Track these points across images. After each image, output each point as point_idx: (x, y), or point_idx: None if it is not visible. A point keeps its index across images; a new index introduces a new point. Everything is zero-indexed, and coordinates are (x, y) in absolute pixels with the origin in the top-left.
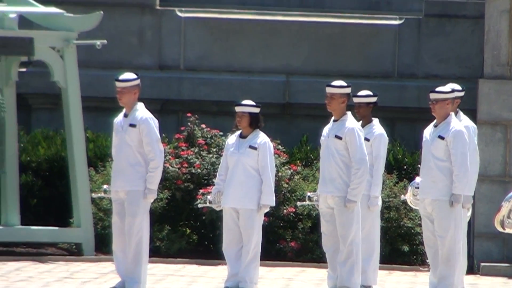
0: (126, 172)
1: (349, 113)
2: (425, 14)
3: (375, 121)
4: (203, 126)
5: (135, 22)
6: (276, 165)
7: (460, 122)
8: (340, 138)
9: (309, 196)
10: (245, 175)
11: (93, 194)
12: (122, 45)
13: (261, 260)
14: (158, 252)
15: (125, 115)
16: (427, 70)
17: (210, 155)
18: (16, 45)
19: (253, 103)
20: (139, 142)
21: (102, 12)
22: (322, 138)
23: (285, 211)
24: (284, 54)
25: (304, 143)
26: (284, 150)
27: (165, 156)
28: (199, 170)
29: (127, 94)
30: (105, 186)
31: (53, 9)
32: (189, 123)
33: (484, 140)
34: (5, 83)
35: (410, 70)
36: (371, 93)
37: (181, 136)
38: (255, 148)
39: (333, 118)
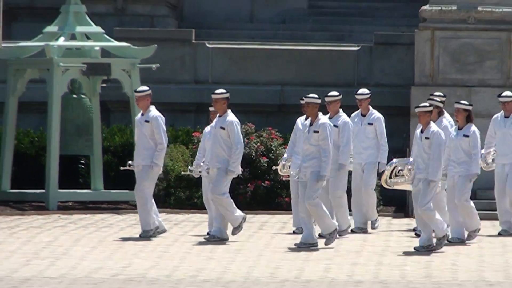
0: (143, 153)
1: (229, 110)
2: (375, 42)
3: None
4: None
5: (178, 51)
6: (275, 146)
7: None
8: (223, 128)
9: (190, 169)
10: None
11: (121, 167)
12: (170, 67)
13: (265, 210)
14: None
15: (142, 114)
16: (376, 80)
17: None
18: (99, 68)
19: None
20: (151, 132)
21: (156, 45)
22: (209, 128)
23: (281, 177)
24: (279, 71)
25: None
26: (280, 135)
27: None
28: None
29: (142, 100)
30: (129, 162)
31: (123, 44)
32: None
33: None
34: (92, 94)
35: (365, 81)
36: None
37: None
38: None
39: (218, 114)
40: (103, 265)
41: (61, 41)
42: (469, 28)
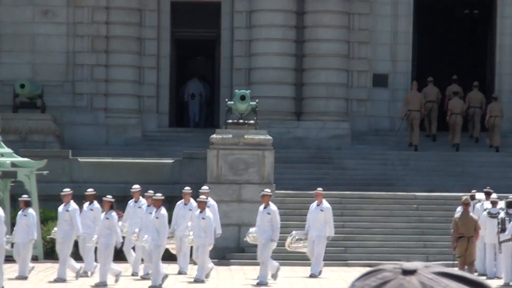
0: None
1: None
2: (183, 157)
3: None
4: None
5: (60, 163)
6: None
7: None
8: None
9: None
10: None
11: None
12: (55, 173)
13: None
14: None
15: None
16: (184, 180)
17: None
18: (9, 174)
19: (207, 187)
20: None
21: (46, 159)
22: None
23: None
24: (124, 175)
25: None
26: (122, 212)
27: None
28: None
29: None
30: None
31: (25, 159)
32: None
33: None
34: (4, 190)
35: (177, 181)
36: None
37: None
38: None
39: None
40: None
41: None
42: (239, 148)
